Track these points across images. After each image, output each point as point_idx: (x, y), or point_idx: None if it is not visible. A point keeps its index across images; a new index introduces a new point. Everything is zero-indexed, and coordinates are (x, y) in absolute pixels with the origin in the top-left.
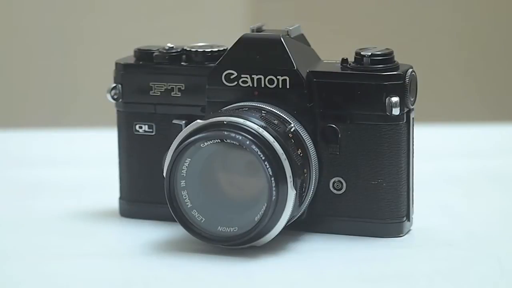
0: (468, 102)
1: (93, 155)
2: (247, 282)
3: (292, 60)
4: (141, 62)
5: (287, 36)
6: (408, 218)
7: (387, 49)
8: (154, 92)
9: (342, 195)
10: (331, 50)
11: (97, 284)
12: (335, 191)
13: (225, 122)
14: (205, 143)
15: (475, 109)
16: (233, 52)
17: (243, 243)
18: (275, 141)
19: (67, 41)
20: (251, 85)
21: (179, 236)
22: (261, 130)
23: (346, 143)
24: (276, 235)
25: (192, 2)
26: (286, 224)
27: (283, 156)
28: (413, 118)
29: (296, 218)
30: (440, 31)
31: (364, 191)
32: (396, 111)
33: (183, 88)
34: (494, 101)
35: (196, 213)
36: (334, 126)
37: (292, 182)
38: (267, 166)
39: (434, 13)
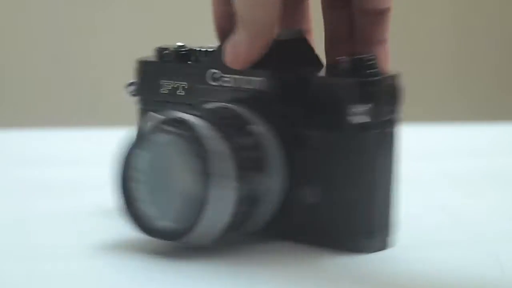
0: (468, 102)
1: (93, 155)
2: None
3: (270, 64)
4: (156, 61)
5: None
6: (386, 232)
7: (370, 55)
8: (163, 90)
9: (315, 205)
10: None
11: (99, 283)
12: (307, 201)
13: (171, 118)
14: (152, 137)
15: (476, 109)
16: (218, 52)
17: (179, 238)
18: (221, 140)
19: (66, 42)
20: (232, 86)
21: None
22: (206, 129)
23: (318, 151)
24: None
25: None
26: (237, 225)
27: (225, 156)
28: (396, 128)
29: (261, 224)
30: (440, 31)
31: (336, 202)
32: (360, 119)
33: (186, 87)
34: (494, 101)
35: (144, 206)
36: (306, 132)
37: (234, 182)
38: (204, 164)
39: (436, 13)
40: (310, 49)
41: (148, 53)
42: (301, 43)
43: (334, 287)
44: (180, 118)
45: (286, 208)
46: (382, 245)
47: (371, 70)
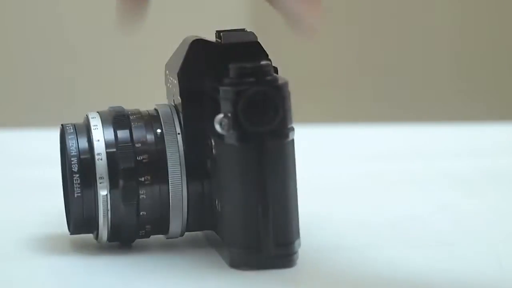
0: (469, 102)
1: None
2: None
3: (187, 68)
4: None
5: (202, 40)
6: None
7: (263, 62)
8: None
9: (221, 216)
10: (331, 48)
11: (98, 282)
12: (217, 211)
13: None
14: None
15: (475, 109)
16: (175, 52)
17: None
18: (104, 143)
19: (67, 42)
20: (174, 88)
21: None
22: (94, 128)
23: (218, 160)
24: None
25: (195, 2)
26: (132, 227)
27: (99, 156)
28: (270, 143)
29: (179, 228)
30: (440, 31)
31: (234, 214)
32: (220, 129)
33: None
34: (495, 101)
35: None
36: (211, 141)
37: (103, 183)
38: (74, 162)
39: (436, 13)
40: (258, 54)
41: (150, 52)
42: (251, 47)
43: None
44: (86, 118)
45: (205, 214)
46: (260, 263)
47: (249, 79)
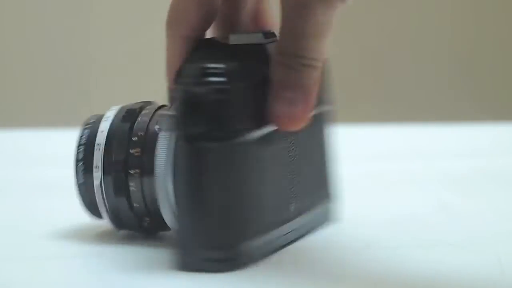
0: (468, 102)
1: None
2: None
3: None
4: None
5: (207, 40)
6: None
7: (227, 62)
8: None
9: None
10: (330, 48)
11: (99, 282)
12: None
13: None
14: None
15: (475, 109)
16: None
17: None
18: (106, 134)
19: (66, 42)
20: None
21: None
22: (104, 120)
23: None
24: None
25: None
26: (129, 220)
27: (98, 147)
28: (216, 144)
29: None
30: (440, 31)
31: (177, 215)
32: (164, 129)
33: None
34: (494, 101)
35: None
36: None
37: (97, 173)
38: (79, 151)
39: (435, 13)
40: (262, 57)
41: (148, 52)
42: (255, 49)
43: None
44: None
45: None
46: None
47: (195, 80)
